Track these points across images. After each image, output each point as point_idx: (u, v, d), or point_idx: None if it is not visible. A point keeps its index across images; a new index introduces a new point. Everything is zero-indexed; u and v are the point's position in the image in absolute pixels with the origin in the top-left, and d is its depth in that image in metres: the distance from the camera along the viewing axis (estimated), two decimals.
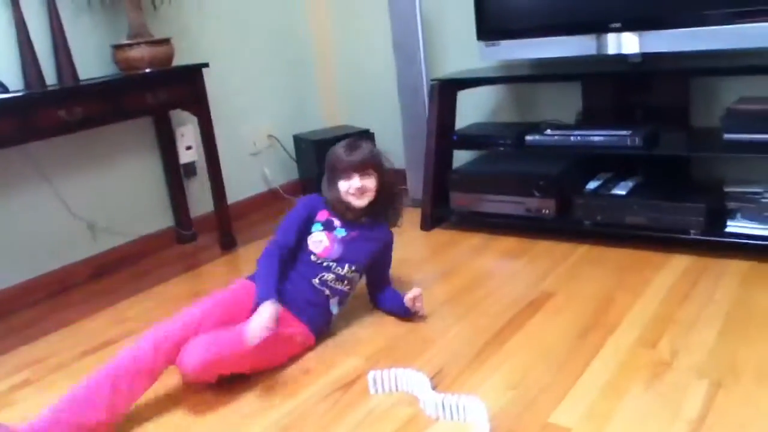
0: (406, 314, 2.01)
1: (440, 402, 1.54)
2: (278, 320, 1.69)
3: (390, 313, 2.06)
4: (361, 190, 1.93)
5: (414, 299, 1.97)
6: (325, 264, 1.93)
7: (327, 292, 1.93)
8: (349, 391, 1.70)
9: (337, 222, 1.98)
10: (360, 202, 1.95)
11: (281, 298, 1.79)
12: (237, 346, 1.66)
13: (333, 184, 1.97)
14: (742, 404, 1.48)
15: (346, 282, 1.96)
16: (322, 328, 1.96)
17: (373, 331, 1.98)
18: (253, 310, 1.72)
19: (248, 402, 1.69)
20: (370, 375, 1.68)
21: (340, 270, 1.94)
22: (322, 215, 1.99)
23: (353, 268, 1.96)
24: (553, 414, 1.53)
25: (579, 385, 1.63)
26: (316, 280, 1.91)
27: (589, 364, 1.71)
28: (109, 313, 2.35)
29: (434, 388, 1.61)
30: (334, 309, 1.98)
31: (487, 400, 1.53)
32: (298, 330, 1.86)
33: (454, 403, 1.53)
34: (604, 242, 2.45)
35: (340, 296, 1.96)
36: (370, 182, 1.94)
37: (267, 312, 1.68)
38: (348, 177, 1.93)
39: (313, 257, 1.93)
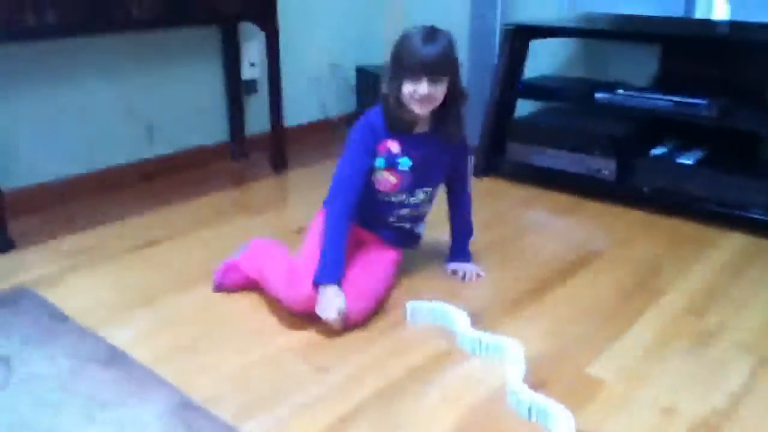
0: (447, 259, 1.96)
1: (477, 339, 1.54)
2: (343, 311, 1.59)
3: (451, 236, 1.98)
4: (427, 99, 1.65)
5: (461, 274, 1.91)
6: (397, 200, 1.79)
7: (407, 225, 1.86)
8: (385, 318, 1.71)
9: (396, 148, 1.72)
10: (423, 110, 1.68)
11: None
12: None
13: (396, 80, 1.66)
14: None
15: (426, 204, 1.85)
16: (412, 245, 1.93)
17: (418, 264, 1.96)
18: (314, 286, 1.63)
19: (285, 315, 1.71)
20: (409, 304, 1.68)
21: (414, 199, 1.80)
22: (383, 146, 1.73)
23: (427, 190, 1.82)
24: (589, 366, 1.51)
25: (618, 343, 1.60)
26: (392, 219, 1.83)
27: (631, 325, 1.68)
28: (157, 215, 2.39)
29: (472, 326, 1.60)
30: (421, 229, 1.92)
31: (523, 345, 1.51)
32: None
33: (492, 341, 1.52)
34: (660, 211, 2.38)
35: (424, 218, 1.90)
36: (440, 89, 1.65)
37: (332, 307, 1.58)
38: (416, 79, 1.62)
39: (382, 196, 1.78)
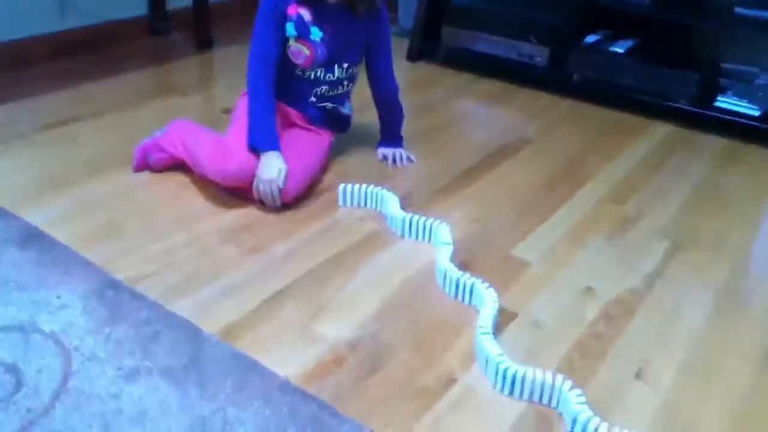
0: (378, 145, 1.94)
1: (407, 220, 1.55)
2: (286, 177, 1.59)
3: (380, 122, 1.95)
4: None
5: (390, 158, 1.90)
6: (313, 76, 1.73)
7: (329, 105, 1.81)
8: (316, 202, 1.69)
9: (307, 16, 1.65)
10: None
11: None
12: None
13: None
14: (695, 269, 1.52)
15: (345, 82, 1.79)
16: (342, 128, 1.89)
17: (346, 151, 1.93)
18: (250, 151, 1.60)
19: (214, 197, 1.66)
20: (341, 187, 1.66)
21: (332, 76, 1.74)
22: (292, 10, 1.65)
23: (346, 66, 1.75)
24: (513, 249, 1.55)
25: (543, 228, 1.64)
26: (313, 99, 1.78)
27: (555, 211, 1.72)
28: (72, 92, 2.24)
29: (403, 209, 1.60)
30: (347, 110, 1.87)
31: (451, 227, 1.53)
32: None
33: (421, 222, 1.54)
34: (590, 100, 2.40)
35: (346, 97, 1.84)
36: None
37: (274, 167, 1.57)
38: None
39: (298, 72, 1.72)
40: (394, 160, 1.89)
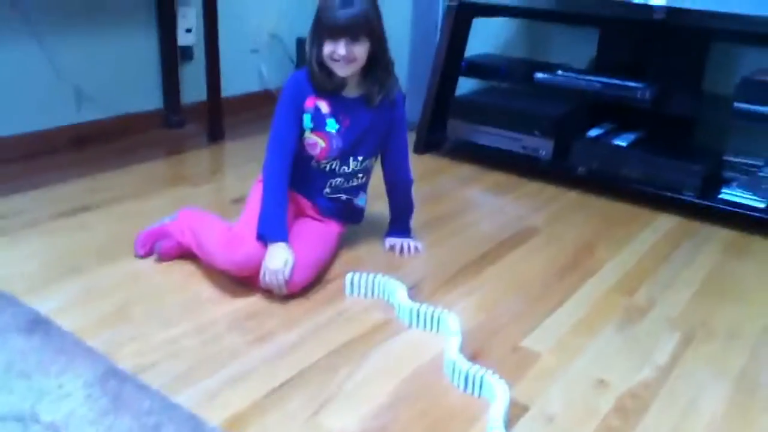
0: (386, 234, 1.95)
1: (415, 311, 1.53)
2: (292, 268, 1.59)
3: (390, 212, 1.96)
4: (347, 58, 1.62)
5: (398, 248, 1.91)
6: (328, 168, 1.76)
7: (344, 197, 1.82)
8: (324, 291, 1.68)
9: (324, 108, 1.71)
10: (343, 72, 1.65)
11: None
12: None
13: (317, 41, 1.65)
14: (710, 360, 1.49)
15: (360, 175, 1.81)
16: (355, 220, 1.91)
17: (355, 239, 1.94)
18: (258, 240, 1.62)
19: (221, 285, 1.66)
20: (348, 276, 1.66)
21: (347, 168, 1.77)
22: (310, 102, 1.71)
23: (361, 158, 1.78)
24: (523, 339, 1.53)
25: (552, 318, 1.63)
26: (327, 190, 1.80)
27: (564, 302, 1.70)
28: (86, 182, 2.28)
29: (410, 298, 1.59)
30: (361, 202, 1.89)
31: (460, 318, 1.52)
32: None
33: (429, 312, 1.52)
34: (595, 191, 2.43)
35: (361, 189, 1.86)
36: (360, 50, 1.62)
37: (281, 258, 1.57)
38: (334, 39, 1.61)
39: (313, 163, 1.75)
40: (402, 250, 1.90)
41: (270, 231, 1.62)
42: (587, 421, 1.27)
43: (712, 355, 1.51)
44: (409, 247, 1.90)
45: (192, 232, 1.71)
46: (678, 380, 1.41)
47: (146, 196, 2.20)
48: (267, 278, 1.58)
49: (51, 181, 2.25)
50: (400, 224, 1.95)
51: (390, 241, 1.93)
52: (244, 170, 2.44)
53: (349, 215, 1.88)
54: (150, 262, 1.76)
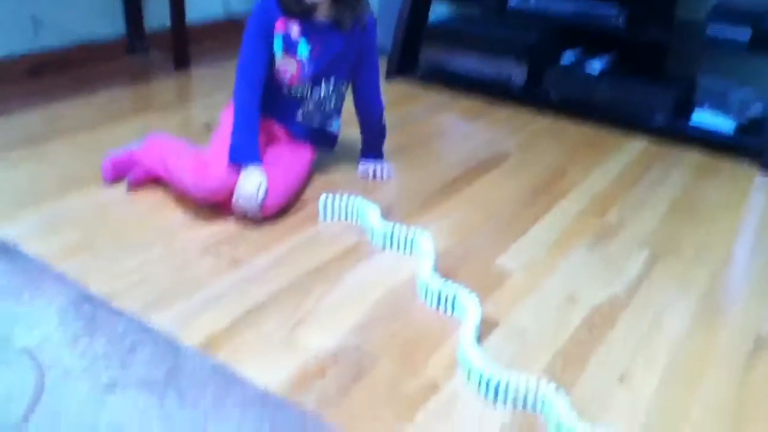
0: (359, 159, 1.94)
1: (388, 232, 1.54)
2: (266, 191, 1.58)
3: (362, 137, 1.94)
4: None
5: (371, 172, 1.90)
6: (300, 94, 1.73)
7: (316, 123, 1.80)
8: (297, 215, 1.67)
9: (295, 32, 1.66)
10: None
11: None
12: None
13: None
14: (676, 278, 1.53)
15: (332, 101, 1.79)
16: (328, 145, 1.89)
17: (328, 165, 1.93)
18: (231, 165, 1.59)
19: (192, 211, 1.64)
20: (321, 200, 1.65)
21: (319, 94, 1.75)
22: (280, 25, 1.66)
23: (333, 84, 1.76)
24: (495, 259, 1.55)
25: (524, 239, 1.64)
26: (299, 117, 1.77)
27: (536, 223, 1.72)
28: (46, 111, 2.21)
29: (383, 221, 1.60)
30: (335, 128, 1.86)
31: (433, 239, 1.53)
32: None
33: (402, 234, 1.53)
34: (567, 116, 2.43)
35: (334, 115, 1.83)
36: None
37: (255, 181, 1.56)
38: None
39: (285, 90, 1.72)
40: (375, 174, 1.89)
41: (242, 155, 1.60)
42: (556, 336, 1.30)
43: (678, 274, 1.54)
44: (381, 171, 1.89)
45: (161, 159, 1.67)
46: (645, 297, 1.45)
47: (111, 125, 2.14)
48: (241, 202, 1.57)
49: (9, 111, 2.18)
50: (372, 149, 1.93)
51: (363, 165, 1.92)
52: (212, 98, 2.38)
53: (322, 140, 1.86)
54: (116, 191, 1.73)
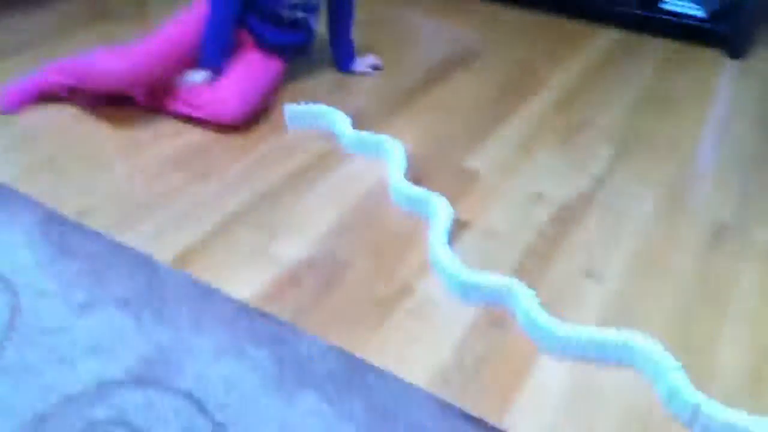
0: (345, 66, 1.91)
1: (357, 139, 1.53)
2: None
3: (333, 53, 1.93)
4: None
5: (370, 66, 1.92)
6: None
7: (301, 14, 1.76)
8: (264, 123, 1.65)
9: None
10: None
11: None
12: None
13: None
14: (642, 171, 1.54)
15: None
16: (305, 43, 1.86)
17: (296, 71, 1.88)
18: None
19: (154, 126, 1.61)
20: (288, 108, 1.63)
21: None
22: None
23: None
24: (465, 160, 1.55)
25: (493, 138, 1.65)
26: (286, 8, 1.72)
27: (505, 121, 1.72)
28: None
29: (352, 127, 1.58)
30: (314, 23, 1.82)
31: (403, 143, 1.52)
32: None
33: (372, 140, 1.52)
34: (535, 9, 2.38)
35: (316, 8, 1.80)
36: None
37: (201, 75, 1.61)
38: None
39: None
40: (376, 67, 1.93)
41: (208, 59, 1.62)
42: (525, 233, 1.33)
43: (644, 167, 1.56)
44: (376, 63, 1.94)
45: (72, 64, 1.64)
46: (611, 191, 1.47)
47: (62, 37, 2.06)
48: (183, 82, 1.61)
49: None
50: (350, 53, 1.91)
51: (359, 61, 1.92)
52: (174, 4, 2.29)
53: (302, 38, 1.82)
54: (73, 110, 1.67)
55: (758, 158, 1.61)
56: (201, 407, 0.95)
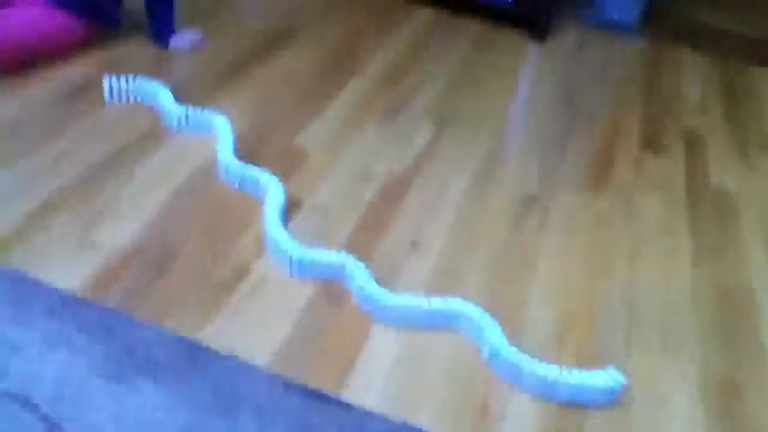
0: (161, 40, 1.81)
1: (183, 115, 1.49)
2: None
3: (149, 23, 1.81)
4: None
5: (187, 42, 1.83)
6: None
7: None
8: (82, 98, 1.55)
9: None
10: None
11: None
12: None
13: None
14: (460, 145, 1.66)
15: None
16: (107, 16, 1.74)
17: (113, 41, 1.77)
18: None
19: None
20: (106, 80, 1.54)
21: None
22: None
23: None
24: (294, 138, 1.57)
25: (321, 116, 1.68)
26: None
27: (332, 99, 1.76)
28: None
29: (176, 102, 1.53)
30: None
31: (229, 120, 1.51)
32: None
33: (198, 116, 1.49)
34: None
35: None
36: None
37: None
38: None
39: None
40: (193, 45, 1.84)
41: None
42: (355, 209, 1.38)
43: (461, 142, 1.68)
44: (196, 40, 1.85)
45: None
46: (432, 165, 1.57)
47: None
48: None
49: None
50: (171, 23, 1.81)
51: (175, 38, 1.81)
52: None
53: (94, 6, 1.70)
54: None
55: (557, 133, 1.78)
56: (31, 405, 0.90)
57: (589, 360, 1.13)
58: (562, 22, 2.45)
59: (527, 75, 2.08)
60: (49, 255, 1.14)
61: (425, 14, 2.33)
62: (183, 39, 1.83)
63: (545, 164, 1.65)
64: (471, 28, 2.30)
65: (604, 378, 1.04)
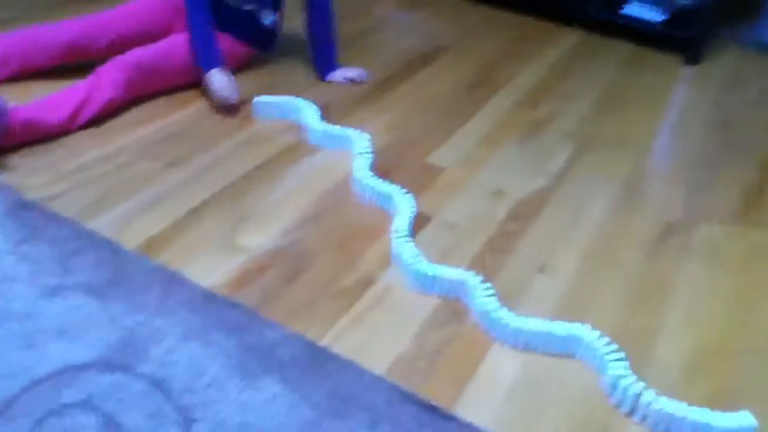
0: (322, 74, 1.88)
1: (325, 131, 1.56)
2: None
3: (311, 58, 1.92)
4: None
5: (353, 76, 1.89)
6: None
7: (250, 6, 1.77)
8: (234, 115, 1.67)
9: None
10: None
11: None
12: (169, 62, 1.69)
13: None
14: (599, 168, 1.61)
15: None
16: (263, 42, 1.87)
17: (265, 63, 1.90)
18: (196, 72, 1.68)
19: (132, 110, 1.63)
20: (256, 100, 1.65)
21: None
22: None
23: None
24: (430, 155, 1.60)
25: (458, 134, 1.70)
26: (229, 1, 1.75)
27: (471, 117, 1.77)
28: None
29: (321, 119, 1.62)
30: (268, 21, 1.82)
31: (369, 137, 1.56)
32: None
33: (339, 133, 1.56)
34: (504, 7, 2.43)
35: (268, 5, 1.80)
36: None
37: (221, 83, 1.63)
38: None
39: None
40: (353, 80, 1.88)
41: (206, 63, 1.66)
42: (485, 227, 1.38)
43: (601, 165, 1.63)
44: (359, 75, 1.88)
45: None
46: (568, 188, 1.53)
47: (47, 13, 2.04)
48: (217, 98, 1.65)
49: None
50: (332, 58, 1.89)
51: (337, 72, 1.88)
52: None
53: (253, 32, 1.83)
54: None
55: (707, 160, 1.68)
56: (167, 391, 0.99)
57: (721, 400, 1.05)
58: (717, 42, 2.31)
59: (677, 98, 1.98)
60: (195, 254, 1.24)
61: (573, 37, 2.29)
62: (342, 75, 1.88)
63: (691, 192, 1.56)
64: (619, 49, 2.23)
65: (734, 420, 0.97)
